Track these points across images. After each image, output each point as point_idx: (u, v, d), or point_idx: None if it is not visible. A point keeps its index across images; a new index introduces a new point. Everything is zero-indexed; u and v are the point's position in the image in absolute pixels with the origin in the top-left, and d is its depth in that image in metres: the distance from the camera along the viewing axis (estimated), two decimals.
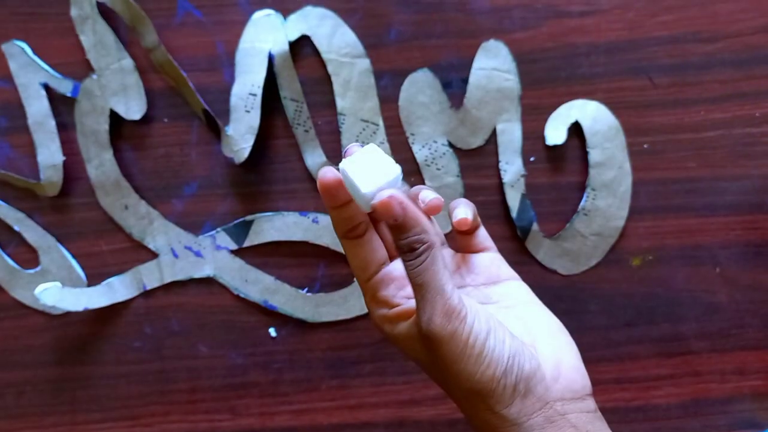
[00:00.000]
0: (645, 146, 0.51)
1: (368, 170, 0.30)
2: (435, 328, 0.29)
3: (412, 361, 0.34)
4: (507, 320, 0.32)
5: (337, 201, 0.32)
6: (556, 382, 0.31)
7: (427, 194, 0.33)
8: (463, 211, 0.35)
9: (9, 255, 0.52)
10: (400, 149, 0.51)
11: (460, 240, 0.37)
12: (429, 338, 0.30)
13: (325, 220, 0.51)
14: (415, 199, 0.34)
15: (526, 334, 0.32)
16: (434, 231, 0.30)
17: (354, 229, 0.33)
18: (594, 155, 0.51)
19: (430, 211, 0.33)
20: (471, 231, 0.36)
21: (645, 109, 0.51)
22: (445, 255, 0.36)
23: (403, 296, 0.33)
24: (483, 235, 0.36)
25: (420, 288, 0.30)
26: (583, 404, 0.31)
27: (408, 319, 0.32)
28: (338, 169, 0.31)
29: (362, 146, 0.31)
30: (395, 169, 0.30)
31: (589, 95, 0.51)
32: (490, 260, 0.36)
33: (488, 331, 0.30)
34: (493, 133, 0.51)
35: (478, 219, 0.36)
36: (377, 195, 0.29)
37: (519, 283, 0.36)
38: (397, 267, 0.34)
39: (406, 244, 0.30)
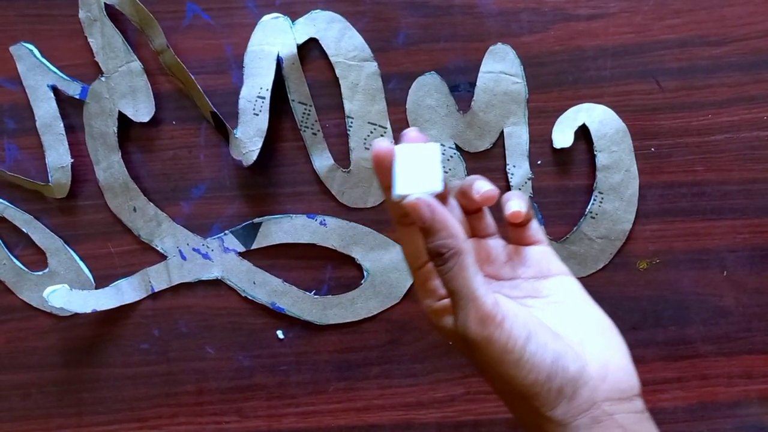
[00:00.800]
0: (652, 149, 0.51)
1: (415, 169, 0.29)
2: (470, 334, 0.29)
3: (458, 352, 0.34)
4: (555, 316, 0.32)
5: (388, 179, 0.31)
6: (604, 382, 0.30)
7: (482, 185, 0.33)
8: (517, 203, 0.34)
9: (17, 257, 0.52)
10: None
11: (512, 232, 0.36)
12: (466, 342, 0.30)
13: (332, 222, 0.51)
14: (468, 191, 0.33)
15: (573, 331, 0.31)
16: (464, 236, 0.30)
17: (408, 215, 0.32)
18: (601, 158, 0.51)
19: (485, 202, 0.33)
20: (524, 223, 0.35)
21: (652, 113, 0.51)
22: (496, 246, 0.35)
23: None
24: (535, 227, 0.36)
25: (452, 293, 0.29)
26: (631, 404, 0.30)
27: (452, 314, 0.31)
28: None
29: (426, 138, 0.30)
30: (437, 185, 0.29)
31: (596, 98, 0.51)
32: (541, 254, 0.35)
33: (528, 335, 0.29)
34: (501, 137, 0.51)
35: (531, 211, 0.35)
36: (409, 195, 0.29)
37: (569, 279, 0.35)
38: None
39: (433, 248, 0.29)
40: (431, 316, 0.33)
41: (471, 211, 0.35)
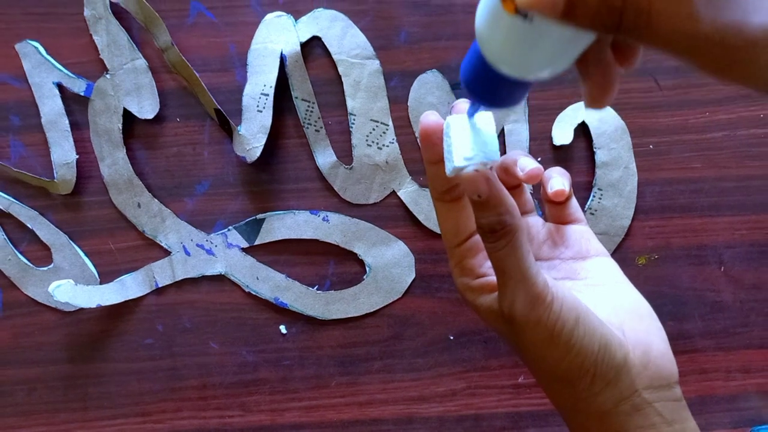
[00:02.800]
0: (650, 147, 0.52)
1: (470, 138, 0.27)
2: (518, 314, 0.28)
3: (493, 331, 0.32)
4: (593, 299, 0.31)
5: (434, 153, 0.29)
6: (646, 369, 0.29)
7: (526, 162, 0.31)
8: (560, 181, 0.33)
9: (22, 252, 0.53)
10: (410, 149, 0.52)
11: (551, 210, 0.35)
12: (512, 322, 0.28)
13: (335, 218, 0.52)
14: (511, 167, 0.32)
15: (613, 315, 0.30)
16: (519, 213, 0.28)
17: (450, 191, 0.31)
18: (600, 155, 0.51)
19: (529, 180, 0.31)
20: (565, 201, 0.34)
21: (651, 111, 0.51)
22: (535, 224, 0.34)
23: (489, 267, 0.31)
24: (575, 206, 0.35)
25: (501, 272, 0.28)
26: (671, 392, 0.30)
27: (491, 292, 0.30)
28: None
29: (475, 107, 0.28)
30: (495, 155, 0.27)
31: None
32: (580, 233, 0.34)
33: (577, 318, 0.28)
34: (501, 134, 0.52)
35: (571, 189, 0.34)
36: (467, 167, 0.27)
37: (608, 260, 0.34)
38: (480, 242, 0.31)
39: (487, 224, 0.27)
40: (467, 295, 0.32)
41: (510, 187, 0.33)
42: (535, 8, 0.20)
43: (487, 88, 0.25)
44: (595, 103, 0.25)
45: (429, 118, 0.29)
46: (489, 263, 0.31)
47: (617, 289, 0.32)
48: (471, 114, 0.28)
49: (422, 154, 0.30)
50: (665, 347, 0.31)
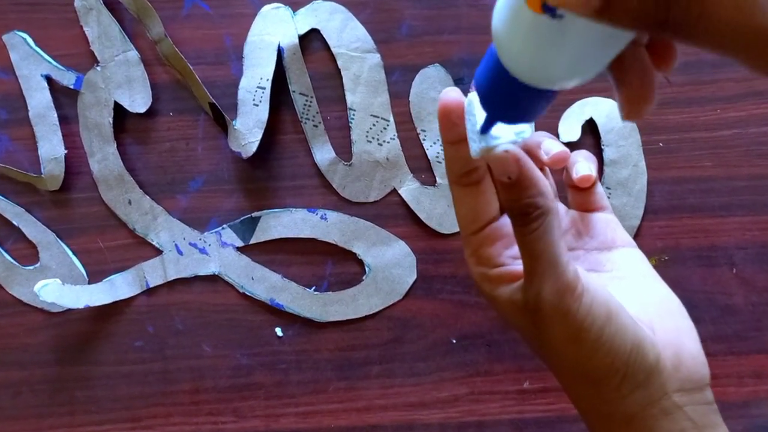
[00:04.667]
0: (660, 144, 0.50)
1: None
2: (545, 304, 0.26)
3: (510, 326, 0.29)
4: (620, 293, 0.29)
5: (453, 133, 0.27)
6: (677, 372, 0.28)
7: (552, 145, 0.29)
8: (586, 166, 0.31)
9: (7, 251, 0.51)
10: (411, 145, 0.50)
11: (575, 196, 0.33)
12: (536, 314, 0.26)
13: (333, 217, 0.50)
14: (535, 150, 0.30)
15: (642, 311, 0.29)
16: (552, 195, 0.26)
17: (468, 175, 0.29)
18: (609, 153, 0.50)
19: (555, 164, 0.29)
20: (590, 188, 0.32)
21: (660, 108, 0.50)
22: (558, 212, 0.32)
23: (509, 256, 0.29)
24: (600, 192, 0.33)
25: (530, 257, 0.26)
26: (701, 395, 0.28)
27: (511, 282, 0.28)
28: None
29: (490, 122, 0.26)
30: (527, 130, 0.25)
31: (603, 92, 0.50)
32: (606, 222, 0.32)
33: (608, 314, 0.26)
34: None
35: (597, 174, 0.32)
36: (496, 146, 0.25)
37: (635, 251, 0.32)
38: (507, 223, 0.29)
39: (520, 207, 0.25)
40: (484, 286, 0.29)
41: None
42: (566, 5, 0.18)
43: (506, 99, 0.23)
44: (634, 113, 0.23)
45: (449, 94, 0.27)
46: (508, 252, 0.29)
47: (645, 282, 0.31)
48: (485, 130, 0.26)
49: (441, 133, 0.28)
50: (697, 347, 0.29)
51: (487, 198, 0.30)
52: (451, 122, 0.27)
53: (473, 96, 0.26)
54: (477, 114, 0.25)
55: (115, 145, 0.50)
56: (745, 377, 0.51)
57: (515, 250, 0.29)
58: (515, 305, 0.28)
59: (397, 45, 0.50)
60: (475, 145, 0.26)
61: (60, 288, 0.49)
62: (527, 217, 0.25)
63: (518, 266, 0.28)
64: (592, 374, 0.27)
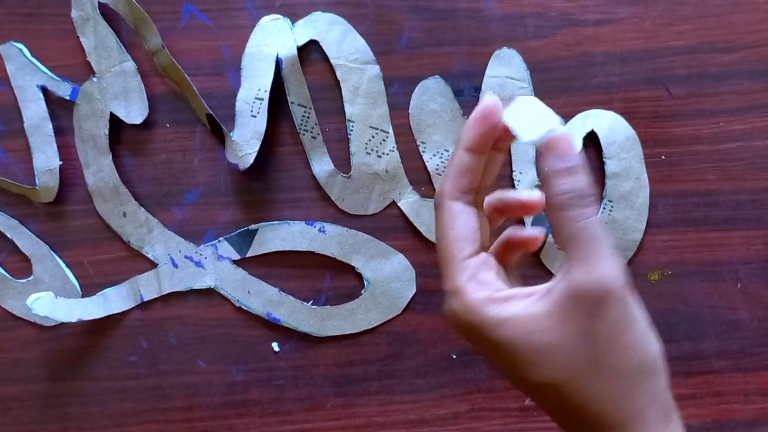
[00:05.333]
0: (662, 157, 0.50)
1: (528, 118, 0.28)
2: (616, 284, 0.26)
3: (499, 356, 0.28)
4: None
5: (481, 141, 0.28)
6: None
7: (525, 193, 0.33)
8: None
9: (0, 263, 0.50)
10: (411, 157, 0.50)
11: (512, 251, 0.34)
12: (606, 297, 0.26)
13: (332, 230, 0.50)
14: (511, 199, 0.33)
15: None
16: None
17: (468, 194, 0.29)
18: (610, 165, 0.49)
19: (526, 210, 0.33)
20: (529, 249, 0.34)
21: (662, 120, 0.50)
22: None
23: (502, 285, 0.29)
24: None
25: (588, 242, 0.26)
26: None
27: (525, 298, 0.28)
28: None
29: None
30: (556, 121, 0.28)
31: (605, 105, 0.49)
32: None
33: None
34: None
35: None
36: (553, 135, 0.27)
37: None
38: (491, 257, 0.30)
39: (578, 190, 0.26)
40: (489, 308, 0.28)
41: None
42: None
43: None
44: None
45: (492, 98, 0.29)
46: (501, 284, 0.29)
47: None
48: None
49: (466, 137, 0.29)
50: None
51: (486, 218, 0.30)
52: (487, 126, 0.28)
53: (505, 115, 0.28)
54: (515, 115, 0.28)
55: (111, 157, 0.49)
56: (751, 394, 0.50)
57: (502, 283, 0.29)
58: (534, 316, 0.27)
59: (396, 56, 0.50)
60: (524, 138, 0.28)
61: (53, 301, 0.48)
62: (587, 199, 0.26)
63: (520, 287, 0.29)
64: (651, 360, 0.27)
